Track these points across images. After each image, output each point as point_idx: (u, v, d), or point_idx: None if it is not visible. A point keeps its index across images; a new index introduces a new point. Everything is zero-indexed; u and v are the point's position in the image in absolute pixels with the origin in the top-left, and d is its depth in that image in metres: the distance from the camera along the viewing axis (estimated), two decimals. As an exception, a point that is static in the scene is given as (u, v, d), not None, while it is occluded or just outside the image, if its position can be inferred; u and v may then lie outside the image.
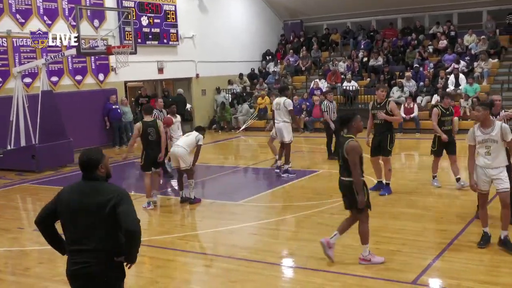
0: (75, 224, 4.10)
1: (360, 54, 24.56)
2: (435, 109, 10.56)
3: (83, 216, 4.06)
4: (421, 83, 21.10)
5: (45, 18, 17.28)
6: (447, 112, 10.43)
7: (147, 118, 10.55)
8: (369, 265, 6.79)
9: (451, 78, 20.42)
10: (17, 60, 16.54)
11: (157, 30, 21.15)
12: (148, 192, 10.38)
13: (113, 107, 18.67)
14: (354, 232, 8.12)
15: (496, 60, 21.64)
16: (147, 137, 10.29)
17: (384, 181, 10.73)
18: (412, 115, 19.23)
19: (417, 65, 22.26)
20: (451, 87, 20.01)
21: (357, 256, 7.15)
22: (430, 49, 23.41)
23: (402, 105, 19.73)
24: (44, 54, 16.82)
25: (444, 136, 10.10)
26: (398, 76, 21.99)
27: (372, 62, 23.56)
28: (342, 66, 23.87)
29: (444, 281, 6.36)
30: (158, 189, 11.18)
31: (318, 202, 10.08)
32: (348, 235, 8.06)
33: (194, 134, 10.64)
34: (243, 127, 18.09)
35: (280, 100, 12.76)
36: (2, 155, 15.30)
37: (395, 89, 21.08)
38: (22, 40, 16.72)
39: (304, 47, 26.61)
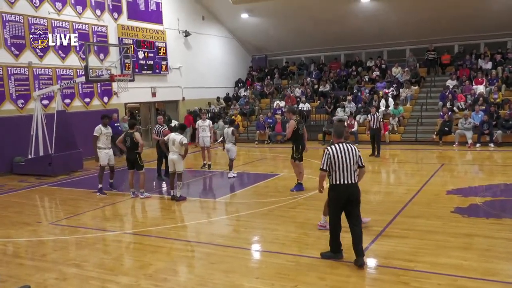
0: None
1: (311, 81, 24.79)
2: None
3: None
4: (359, 105, 21.40)
5: (60, 52, 17.03)
6: None
7: (130, 130, 10.99)
8: (319, 248, 6.81)
9: (382, 101, 20.77)
10: (36, 86, 16.27)
11: (151, 62, 21.06)
12: (130, 184, 11.03)
13: (115, 124, 18.43)
14: (310, 223, 8.19)
15: (417, 87, 22.09)
16: (124, 143, 10.85)
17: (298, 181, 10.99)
18: (352, 130, 19.44)
19: (356, 91, 22.58)
20: (382, 108, 20.37)
21: (310, 242, 7.20)
22: (366, 78, 23.76)
23: (345, 122, 19.96)
24: (59, 80, 16.61)
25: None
26: (342, 99, 22.25)
27: (321, 88, 23.78)
28: (298, 91, 24.04)
29: (378, 260, 6.41)
30: (138, 186, 11.03)
31: (279, 199, 10.11)
32: (303, 224, 8.13)
33: (177, 138, 10.46)
34: (220, 139, 18.12)
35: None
36: (24, 163, 15.01)
37: (339, 109, 21.32)
38: (41, 70, 16.46)
39: (268, 76, 26.80)
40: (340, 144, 6.27)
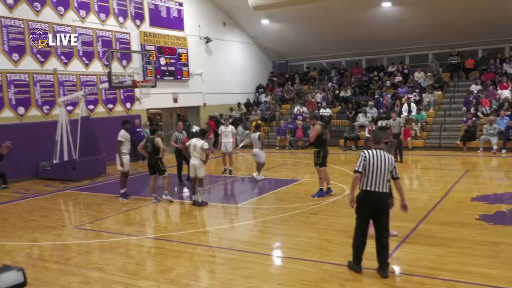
0: None
1: (332, 87, 24.67)
2: None
3: None
4: (381, 110, 21.20)
5: (83, 58, 17.34)
6: None
7: (151, 136, 11.14)
8: (341, 254, 6.75)
9: (405, 106, 20.54)
10: (61, 92, 16.57)
11: (173, 68, 21.25)
12: (151, 189, 11.29)
13: (137, 130, 18.62)
14: (332, 229, 8.13)
15: (440, 92, 21.80)
16: (146, 149, 11.04)
17: (320, 187, 10.89)
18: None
19: (377, 96, 22.39)
20: (405, 113, 20.14)
21: (332, 248, 7.14)
22: (388, 83, 23.56)
23: (366, 128, 19.81)
24: (83, 87, 16.88)
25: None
26: (363, 104, 22.08)
27: (342, 94, 23.67)
28: (318, 97, 23.96)
29: (401, 268, 6.31)
30: (160, 191, 11.22)
31: (300, 205, 10.07)
32: (325, 230, 8.07)
33: (198, 144, 10.45)
34: (240, 145, 18.15)
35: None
36: (49, 168, 15.28)
37: (360, 114, 21.17)
38: (66, 76, 16.77)
39: (289, 82, 26.80)
40: (377, 150, 6.14)
